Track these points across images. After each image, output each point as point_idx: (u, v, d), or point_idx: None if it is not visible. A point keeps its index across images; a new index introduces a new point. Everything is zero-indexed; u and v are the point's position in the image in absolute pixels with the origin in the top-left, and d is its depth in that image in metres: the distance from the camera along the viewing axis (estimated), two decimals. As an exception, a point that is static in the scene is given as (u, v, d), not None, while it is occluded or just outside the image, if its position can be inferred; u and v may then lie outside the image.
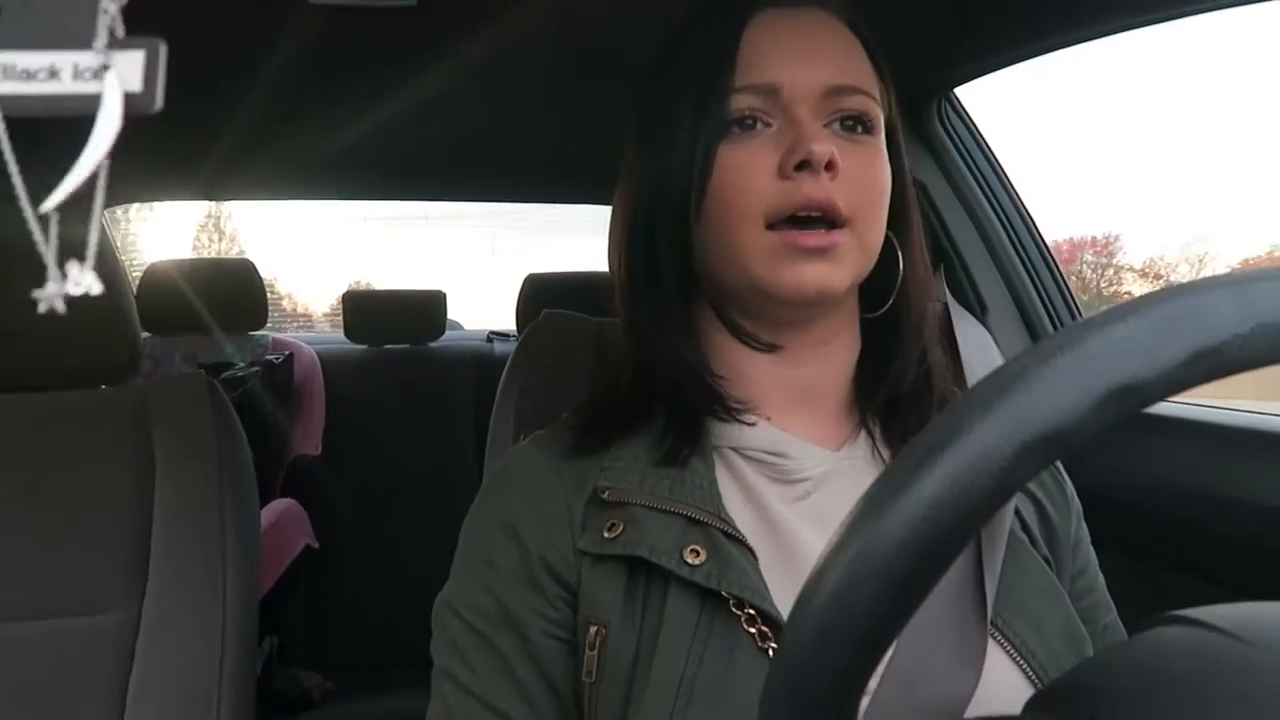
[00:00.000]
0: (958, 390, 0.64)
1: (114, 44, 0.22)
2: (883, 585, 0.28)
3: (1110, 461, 1.01)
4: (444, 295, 2.55)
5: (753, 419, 0.60)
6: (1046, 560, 0.61)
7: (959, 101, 1.27)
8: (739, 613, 0.53)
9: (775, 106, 0.58)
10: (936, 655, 0.51)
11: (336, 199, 2.37)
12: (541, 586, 0.57)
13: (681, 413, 0.60)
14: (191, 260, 2.40)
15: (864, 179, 0.58)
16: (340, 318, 2.52)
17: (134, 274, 2.38)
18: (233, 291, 2.26)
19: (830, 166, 0.55)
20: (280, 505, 1.95)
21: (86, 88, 0.21)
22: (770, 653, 0.52)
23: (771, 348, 0.61)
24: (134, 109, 0.22)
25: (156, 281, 2.20)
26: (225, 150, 1.62)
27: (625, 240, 0.64)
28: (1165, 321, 0.28)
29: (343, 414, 2.31)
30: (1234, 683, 0.29)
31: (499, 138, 1.70)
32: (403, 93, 1.33)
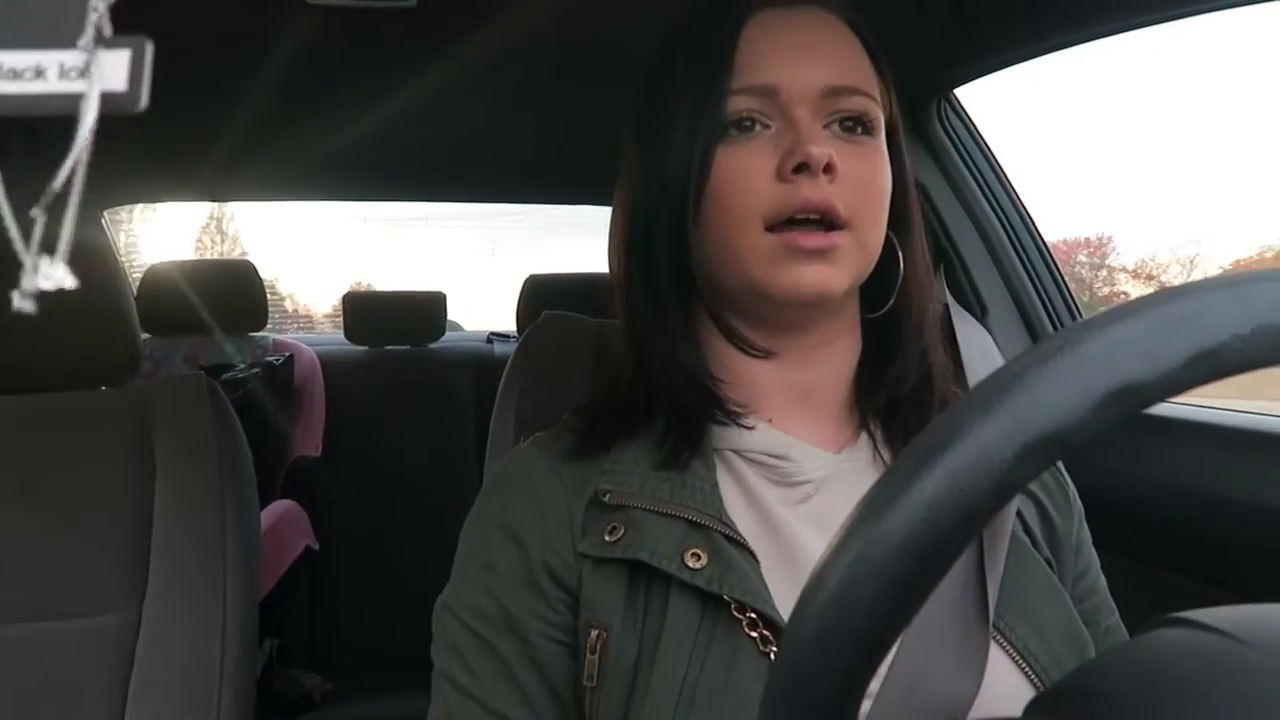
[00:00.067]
0: (959, 391, 0.64)
1: (101, 43, 0.22)
2: (883, 587, 0.28)
3: (1110, 462, 1.01)
4: (444, 296, 2.55)
5: (752, 422, 0.60)
6: (1048, 562, 0.61)
7: (959, 102, 1.27)
8: (740, 616, 0.53)
9: (774, 108, 0.57)
10: (938, 658, 0.50)
11: (337, 200, 2.37)
12: (542, 589, 0.57)
13: (681, 415, 0.60)
14: (191, 261, 2.40)
15: (863, 181, 0.57)
16: (342, 318, 2.53)
17: (135, 275, 2.37)
18: (233, 293, 2.26)
19: (829, 169, 0.55)
20: (280, 506, 1.94)
21: (72, 87, 0.21)
22: (772, 656, 0.52)
23: (767, 354, 0.61)
24: (119, 108, 0.22)
25: (157, 283, 2.20)
26: (226, 151, 1.63)
27: (624, 242, 0.64)
28: (1165, 322, 0.28)
29: (343, 415, 2.31)
30: (1235, 685, 0.29)
31: (499, 138, 1.70)
32: (403, 93, 1.33)
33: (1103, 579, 0.66)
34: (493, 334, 2.77)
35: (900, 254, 0.62)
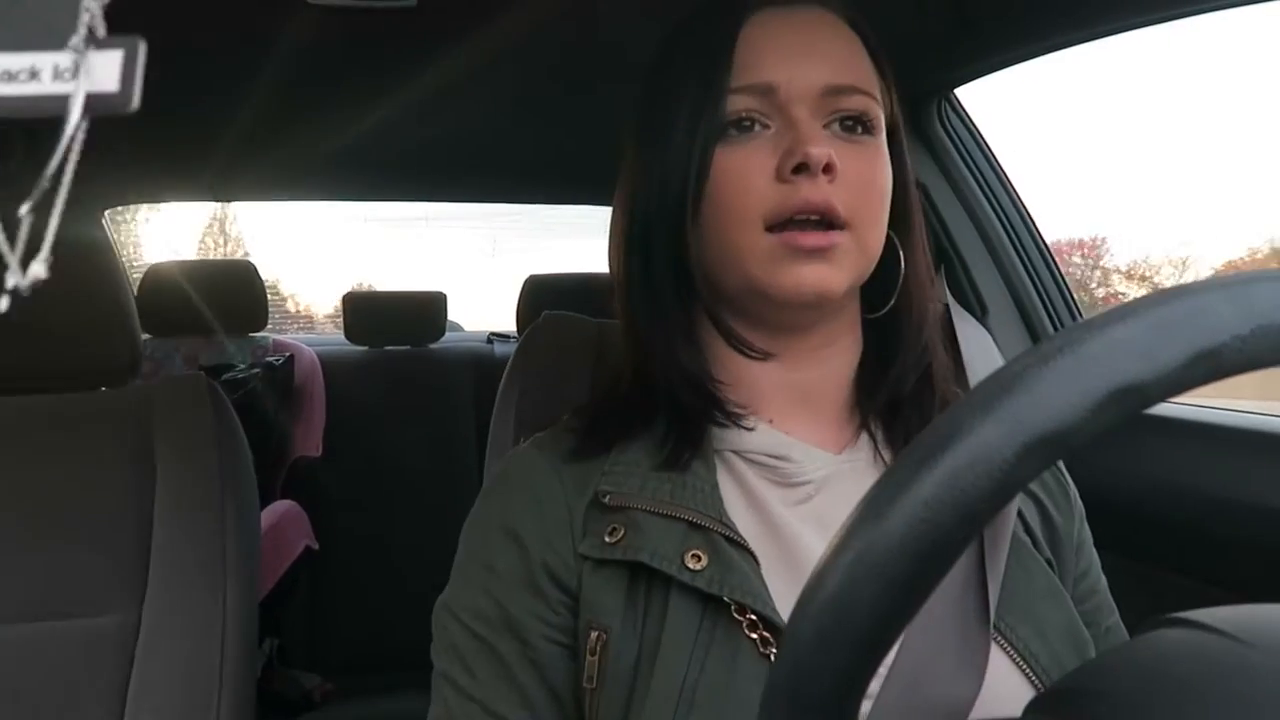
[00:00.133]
0: (959, 391, 0.64)
1: (93, 43, 0.22)
2: (883, 587, 0.28)
3: (1110, 462, 1.01)
4: (444, 296, 2.55)
5: (752, 423, 0.60)
6: (1049, 562, 0.61)
7: (959, 102, 1.27)
8: (741, 618, 0.53)
9: (773, 107, 0.57)
10: (939, 658, 0.50)
11: (337, 200, 2.37)
12: (542, 591, 0.57)
13: (681, 417, 0.60)
14: (192, 262, 2.40)
15: (863, 181, 0.57)
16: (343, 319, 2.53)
17: (136, 276, 2.38)
18: (233, 293, 2.26)
19: (828, 169, 0.55)
20: (280, 507, 1.95)
21: (65, 88, 0.21)
22: (772, 658, 0.51)
23: (767, 356, 0.60)
24: (111, 108, 0.22)
25: (157, 283, 2.20)
26: (227, 151, 1.63)
27: (624, 242, 0.63)
28: (1165, 323, 0.28)
29: (343, 415, 2.31)
30: (1234, 685, 0.29)
31: (499, 138, 1.71)
32: (403, 93, 1.33)
33: (1103, 579, 0.66)
34: (493, 334, 2.77)
35: (901, 254, 0.62)
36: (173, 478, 0.98)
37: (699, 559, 0.54)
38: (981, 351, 0.71)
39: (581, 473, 0.60)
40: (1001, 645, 0.54)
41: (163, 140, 1.57)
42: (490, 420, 0.92)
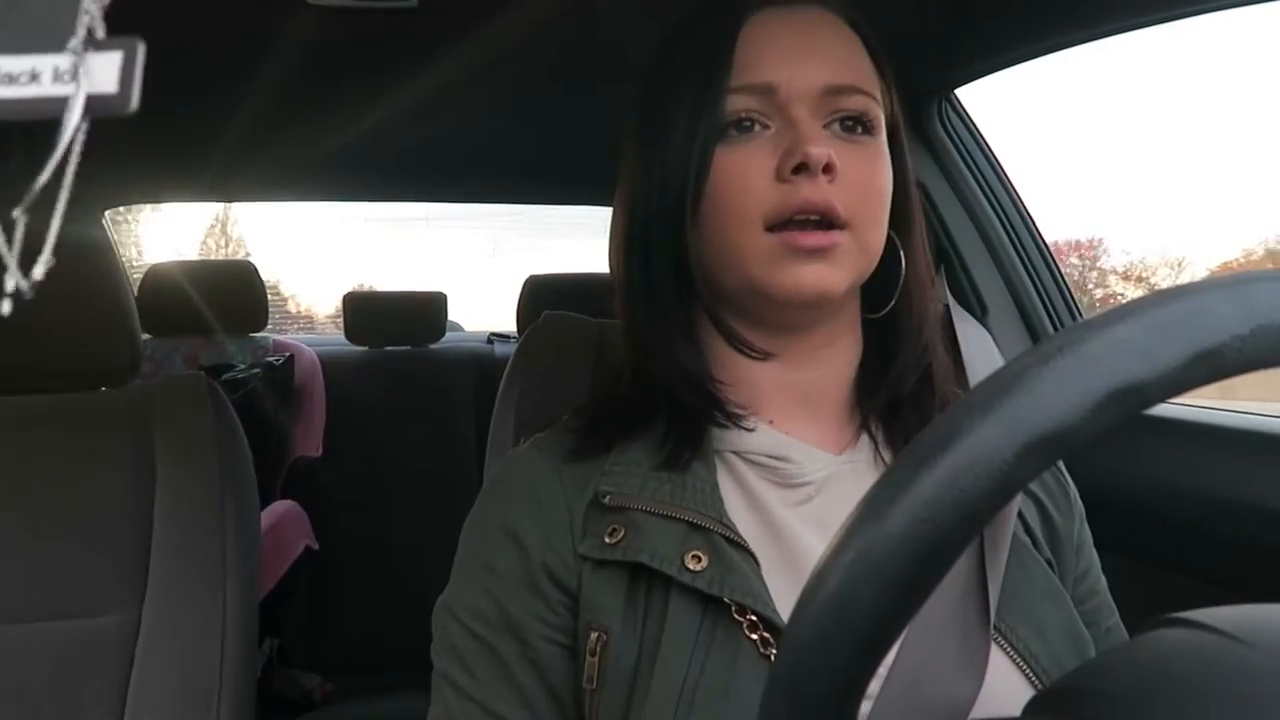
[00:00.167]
0: (959, 392, 0.64)
1: (92, 45, 0.22)
2: (883, 586, 0.28)
3: (1110, 462, 1.01)
4: (444, 297, 2.55)
5: (752, 424, 0.60)
6: (1049, 563, 0.61)
7: (959, 102, 1.27)
8: (741, 619, 0.52)
9: (772, 107, 0.57)
10: (939, 659, 0.50)
11: (337, 200, 2.37)
12: (542, 591, 0.57)
13: (682, 417, 0.60)
14: (192, 261, 2.40)
15: (863, 181, 0.57)
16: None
17: (136, 276, 2.38)
18: (233, 293, 2.26)
19: (828, 169, 0.54)
20: (281, 507, 1.95)
21: (65, 89, 0.21)
22: (772, 659, 0.51)
23: (767, 356, 0.60)
24: (109, 110, 0.22)
25: (157, 283, 2.20)
26: (227, 151, 1.63)
27: (624, 242, 0.63)
28: (1165, 323, 0.28)
29: (343, 416, 2.31)
30: (1234, 685, 0.29)
31: (499, 139, 1.71)
32: (403, 93, 1.33)
33: (1103, 580, 0.66)
34: (493, 334, 2.77)
35: (902, 254, 0.61)
36: (173, 478, 0.98)
37: (699, 560, 0.54)
38: (981, 352, 0.71)
39: (581, 473, 0.60)
40: (1001, 646, 0.54)
41: (163, 140, 1.57)
42: (490, 420, 0.92)
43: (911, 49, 1.08)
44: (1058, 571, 0.61)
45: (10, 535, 0.94)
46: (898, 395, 0.61)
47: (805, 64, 0.57)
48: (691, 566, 0.53)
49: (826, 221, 0.55)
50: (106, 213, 2.16)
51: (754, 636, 0.52)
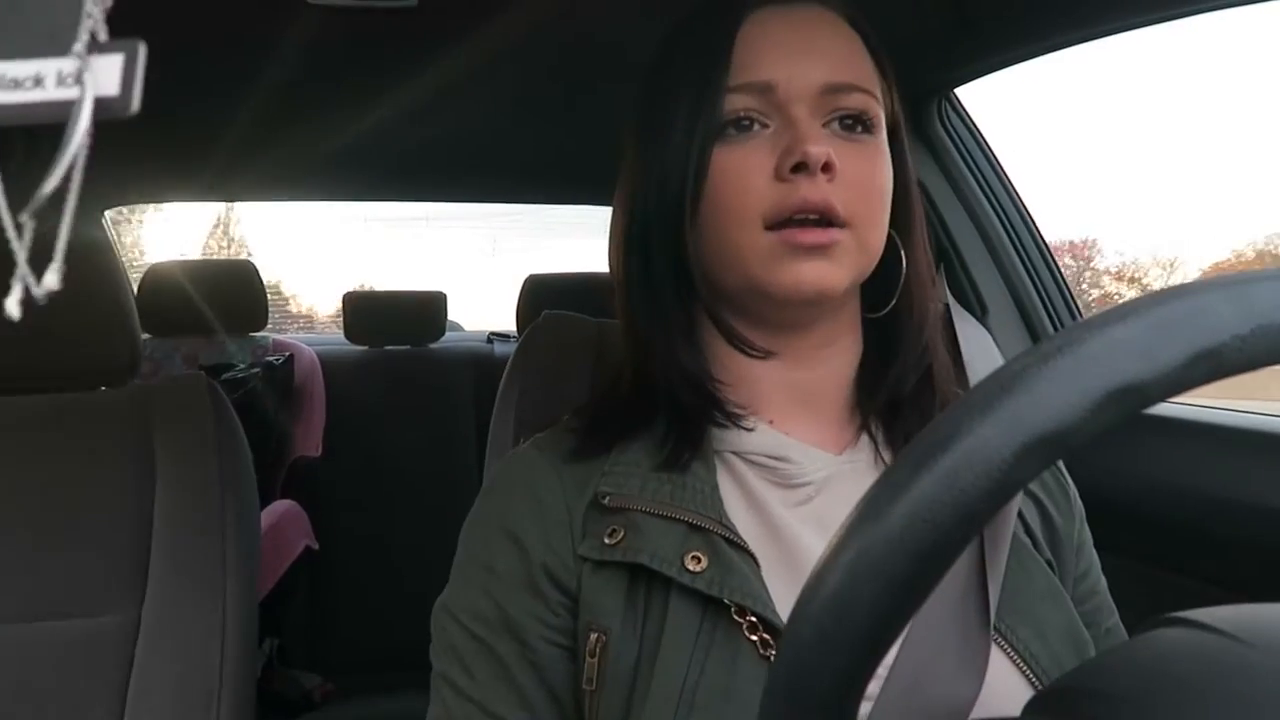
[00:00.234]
0: (960, 392, 0.64)
1: (94, 47, 0.22)
2: (882, 586, 0.28)
3: (1110, 462, 1.01)
4: (444, 296, 2.55)
5: (752, 424, 0.60)
6: (1049, 563, 0.61)
7: (959, 101, 1.27)
8: (741, 620, 0.52)
9: (771, 106, 0.57)
10: (939, 659, 0.50)
11: (338, 200, 2.38)
12: (542, 592, 0.57)
13: (681, 417, 0.60)
14: (192, 261, 2.40)
15: (863, 181, 0.57)
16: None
17: (136, 276, 2.38)
18: (233, 292, 2.26)
19: (827, 168, 0.54)
20: (280, 506, 1.95)
21: (69, 93, 0.21)
22: (772, 659, 0.51)
23: (767, 354, 0.60)
24: (111, 112, 0.22)
25: (157, 283, 2.20)
26: (227, 151, 1.63)
27: (623, 242, 0.63)
28: (1165, 322, 0.28)
29: (343, 415, 2.31)
30: (1234, 684, 0.29)
31: (500, 138, 1.71)
32: (404, 93, 1.33)
33: (1103, 580, 0.66)
34: (493, 334, 2.77)
35: (902, 253, 0.61)
36: (172, 478, 0.98)
37: (699, 561, 0.54)
38: (982, 351, 0.71)
39: (581, 473, 0.60)
40: (1002, 646, 0.54)
41: (162, 140, 1.57)
42: (490, 420, 0.92)
43: (911, 49, 1.07)
44: (1058, 572, 0.61)
45: (10, 535, 0.94)
46: (898, 395, 0.61)
47: (804, 62, 0.57)
48: (691, 567, 0.53)
49: (826, 220, 0.55)
50: (106, 213, 2.16)
51: (754, 638, 0.52)
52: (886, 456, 0.61)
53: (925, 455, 0.28)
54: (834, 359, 0.62)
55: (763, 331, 0.60)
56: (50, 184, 0.21)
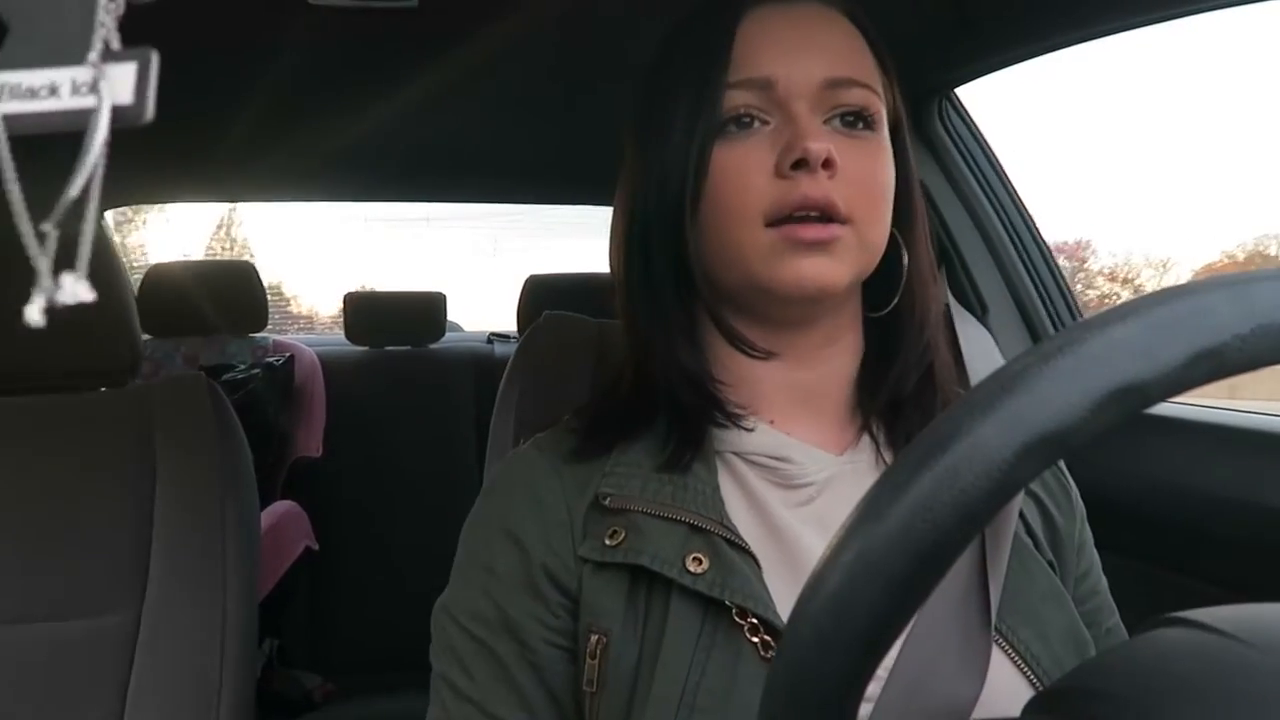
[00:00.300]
0: (961, 391, 0.64)
1: (108, 56, 0.22)
2: (883, 586, 0.28)
3: (1111, 462, 1.01)
4: (444, 297, 2.55)
5: (752, 424, 0.60)
6: (1051, 564, 0.60)
7: (959, 101, 1.27)
8: (742, 622, 0.52)
9: (771, 103, 0.57)
10: (940, 660, 0.50)
11: (339, 200, 2.38)
12: (542, 593, 0.57)
13: (682, 417, 0.60)
14: (192, 262, 2.40)
15: (864, 177, 0.57)
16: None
17: (136, 277, 2.38)
18: (233, 293, 2.26)
19: (828, 164, 0.54)
20: (281, 507, 1.95)
21: (83, 102, 0.22)
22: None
23: (769, 355, 0.60)
24: (126, 120, 0.22)
25: (157, 283, 2.20)
26: (228, 152, 1.63)
27: (624, 242, 0.63)
28: (1165, 322, 0.27)
29: (343, 416, 2.31)
30: (1234, 684, 0.29)
31: (500, 138, 1.71)
32: (404, 93, 1.33)
33: (1104, 580, 0.66)
34: (493, 334, 2.77)
35: (904, 251, 0.61)
36: (173, 478, 0.98)
37: (700, 562, 0.53)
38: (982, 351, 0.71)
39: (582, 474, 0.60)
40: (1003, 647, 0.54)
41: (164, 141, 1.57)
42: (490, 420, 0.92)
43: (911, 48, 1.07)
44: (1059, 572, 0.61)
45: (10, 535, 0.94)
46: (899, 394, 0.61)
47: (804, 58, 0.57)
48: (692, 569, 0.53)
49: (827, 216, 0.55)
50: (108, 213, 2.16)
51: (755, 639, 0.52)
52: (888, 457, 0.61)
53: (926, 455, 0.28)
54: (835, 358, 0.62)
55: (764, 331, 0.60)
56: (73, 191, 0.21)
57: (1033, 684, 0.53)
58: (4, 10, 0.22)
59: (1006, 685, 0.53)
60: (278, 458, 2.15)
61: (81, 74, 0.22)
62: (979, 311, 1.26)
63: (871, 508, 0.28)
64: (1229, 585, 0.91)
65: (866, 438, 0.61)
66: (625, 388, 0.64)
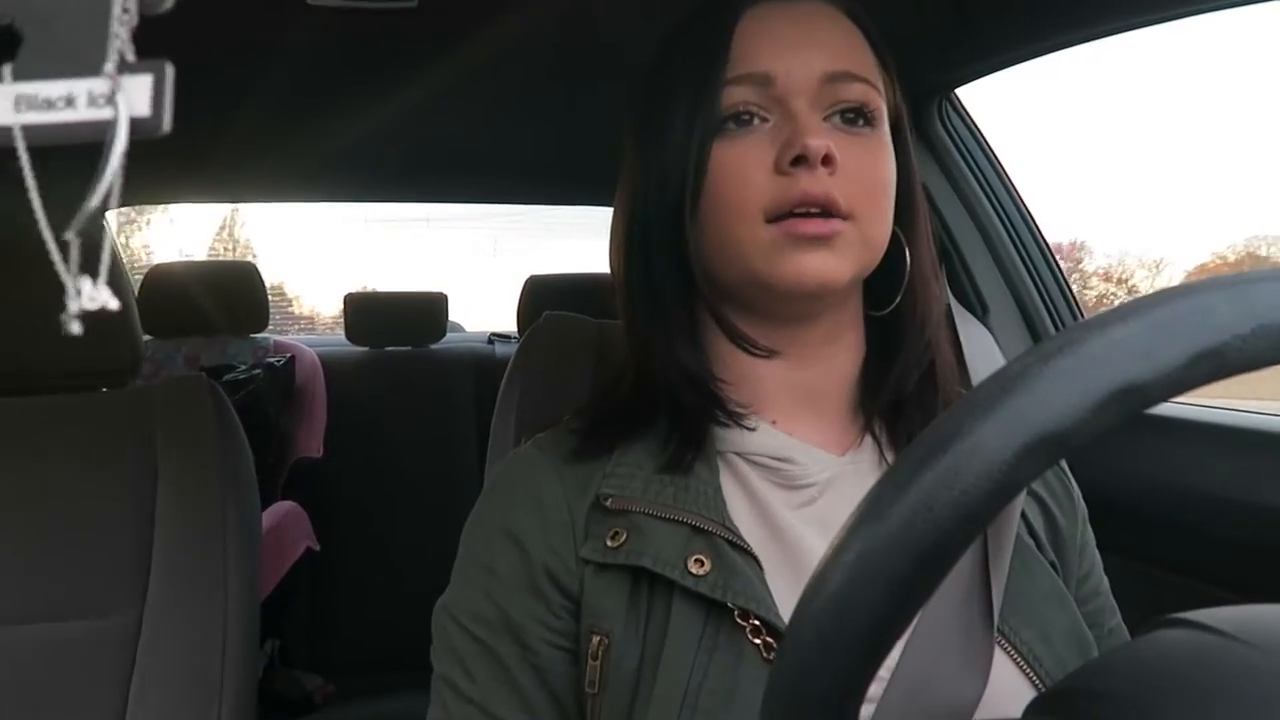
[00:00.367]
0: (962, 391, 0.64)
1: (123, 68, 0.22)
2: (884, 587, 0.28)
3: (1111, 462, 1.01)
4: (445, 297, 2.55)
5: (753, 423, 0.59)
6: (1053, 565, 0.60)
7: (959, 102, 1.27)
8: (744, 623, 0.52)
9: (770, 99, 0.56)
10: (943, 661, 0.50)
11: (339, 201, 2.38)
12: (544, 594, 0.57)
13: (683, 417, 0.60)
14: (193, 262, 2.40)
15: (864, 174, 0.56)
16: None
17: (137, 277, 2.38)
18: (234, 294, 2.26)
19: (827, 161, 0.54)
20: (282, 507, 1.95)
21: (100, 114, 0.22)
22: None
23: (771, 353, 0.60)
24: (144, 132, 0.22)
25: (158, 284, 2.20)
26: (228, 153, 1.63)
27: (624, 242, 0.63)
28: (1166, 323, 0.28)
29: (344, 416, 2.31)
30: (1235, 685, 0.29)
31: (500, 139, 1.71)
32: (404, 94, 1.33)
33: (1105, 580, 0.66)
34: (494, 334, 2.77)
35: (907, 249, 0.61)
36: (174, 479, 0.98)
37: (702, 564, 0.53)
38: (983, 351, 0.71)
39: (583, 474, 0.60)
40: (1005, 648, 0.54)
41: (164, 142, 1.56)
42: (491, 421, 0.92)
43: (911, 48, 1.07)
44: (1061, 573, 0.61)
45: (11, 536, 0.94)
46: (901, 393, 0.60)
47: (803, 54, 0.56)
48: (694, 570, 0.53)
49: (827, 212, 0.54)
50: (108, 214, 2.16)
51: (757, 641, 0.52)
52: (890, 457, 0.60)
53: (926, 455, 0.28)
54: (837, 357, 0.62)
55: (766, 328, 0.60)
56: (94, 202, 0.21)
57: (1035, 685, 0.53)
58: (18, 21, 0.22)
59: (1009, 686, 0.52)
60: (279, 458, 2.15)
61: (98, 85, 0.22)
62: (980, 311, 1.26)
63: (872, 508, 0.28)
64: (1230, 585, 0.91)
65: (869, 438, 0.61)
66: (626, 388, 0.64)
